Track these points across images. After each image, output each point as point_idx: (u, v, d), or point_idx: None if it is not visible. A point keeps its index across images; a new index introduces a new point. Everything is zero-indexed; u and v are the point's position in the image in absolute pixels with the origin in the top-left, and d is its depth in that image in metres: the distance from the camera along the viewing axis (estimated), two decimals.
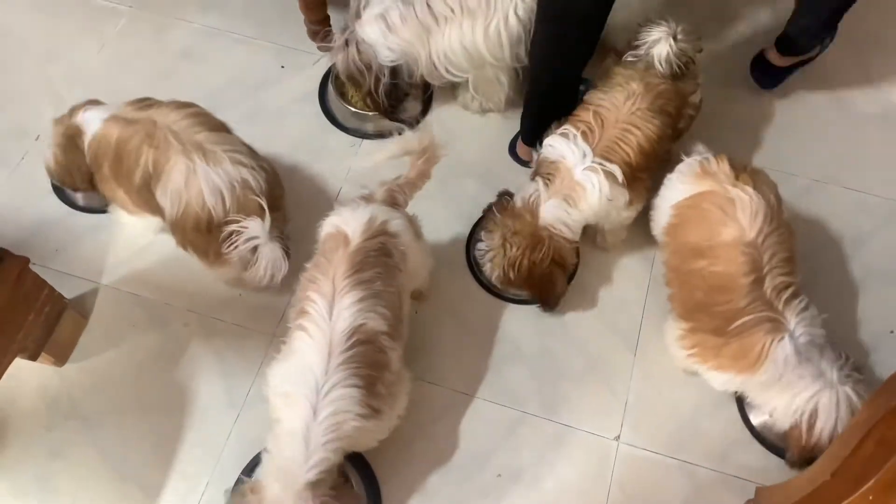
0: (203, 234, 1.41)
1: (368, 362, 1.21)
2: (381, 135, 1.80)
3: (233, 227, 1.39)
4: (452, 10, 1.56)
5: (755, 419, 1.47)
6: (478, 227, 1.67)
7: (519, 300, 1.61)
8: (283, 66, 1.91)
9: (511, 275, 1.47)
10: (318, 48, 1.92)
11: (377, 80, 1.61)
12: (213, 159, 1.38)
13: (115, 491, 1.42)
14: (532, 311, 1.60)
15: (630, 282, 1.63)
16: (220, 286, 1.60)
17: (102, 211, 1.68)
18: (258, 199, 1.40)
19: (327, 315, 1.21)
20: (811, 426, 1.29)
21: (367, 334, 1.22)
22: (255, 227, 1.40)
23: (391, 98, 1.67)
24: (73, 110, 1.51)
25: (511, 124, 1.81)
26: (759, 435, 1.46)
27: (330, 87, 1.84)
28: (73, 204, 1.72)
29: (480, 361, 1.54)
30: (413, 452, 1.44)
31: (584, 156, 1.42)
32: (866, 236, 1.67)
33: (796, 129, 1.82)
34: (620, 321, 1.59)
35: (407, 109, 1.78)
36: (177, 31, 1.96)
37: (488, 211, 1.54)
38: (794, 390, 1.30)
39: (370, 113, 1.79)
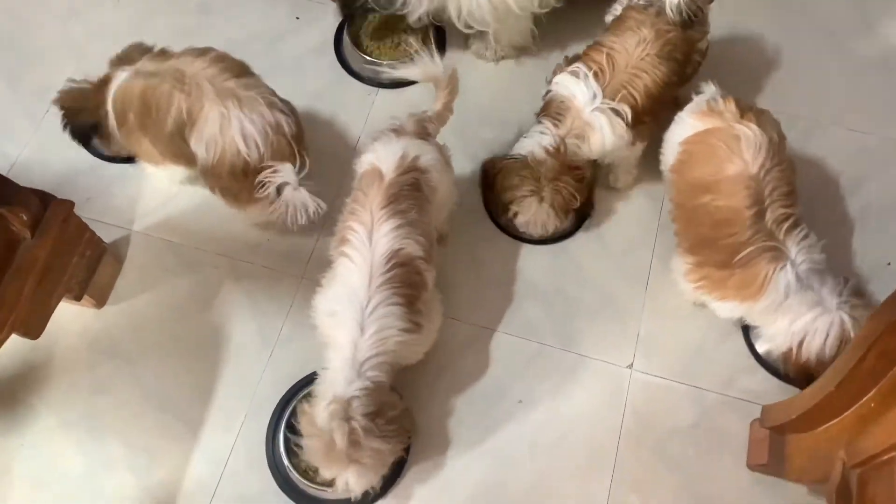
0: (238, 180, 1.47)
1: (407, 282, 1.30)
2: (397, 84, 1.84)
3: (266, 172, 1.44)
4: None
5: (760, 347, 1.56)
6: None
7: (535, 241, 1.67)
8: (297, 18, 1.95)
9: (563, 214, 1.57)
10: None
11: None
12: (247, 105, 1.42)
13: (158, 424, 1.50)
14: (546, 251, 1.67)
15: (640, 222, 1.70)
16: (248, 231, 1.67)
17: (129, 160, 1.73)
18: (290, 143, 1.45)
19: (367, 241, 1.29)
20: (800, 347, 1.38)
21: (405, 258, 1.30)
22: (288, 172, 1.45)
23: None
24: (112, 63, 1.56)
25: (525, 70, 1.86)
26: (763, 361, 1.56)
27: (345, 37, 1.88)
28: (99, 154, 1.76)
29: (499, 299, 1.62)
30: (440, 383, 1.53)
31: (595, 96, 1.48)
32: (865, 175, 1.74)
33: (798, 74, 1.89)
34: (631, 260, 1.67)
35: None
36: None
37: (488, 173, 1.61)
38: (792, 315, 1.38)
39: (385, 61, 1.83)
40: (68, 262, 1.40)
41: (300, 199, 1.49)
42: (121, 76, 1.52)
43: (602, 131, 1.50)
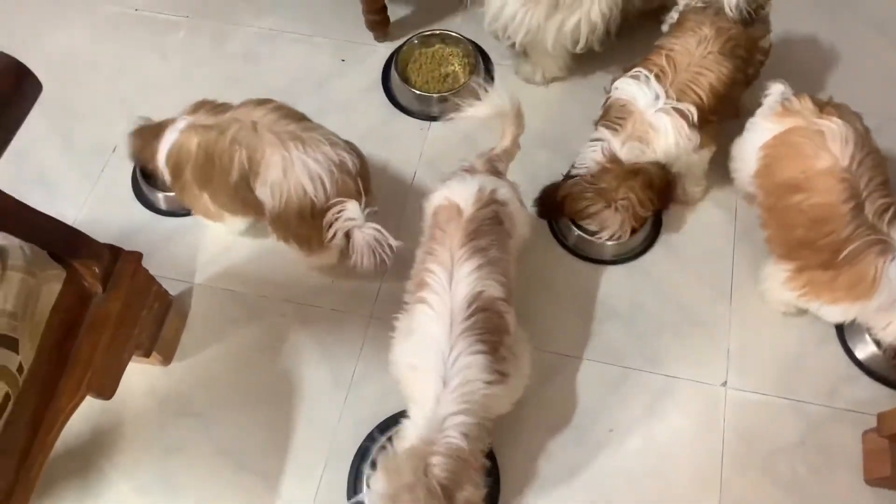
0: (307, 223, 1.43)
1: (490, 328, 1.22)
2: (447, 115, 1.82)
3: (333, 211, 1.40)
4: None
5: (860, 353, 1.48)
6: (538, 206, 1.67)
7: (608, 260, 1.62)
8: (343, 60, 1.95)
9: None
10: (375, 38, 1.95)
11: None
12: (309, 145, 1.40)
13: (234, 482, 1.44)
14: (621, 270, 1.62)
15: (715, 234, 1.64)
16: (310, 276, 1.63)
17: (186, 214, 1.71)
18: (356, 181, 1.42)
19: (447, 284, 1.23)
20: None
21: (486, 301, 1.23)
22: (353, 209, 1.41)
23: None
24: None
25: (575, 90, 1.83)
26: (866, 367, 1.47)
27: (393, 74, 1.87)
28: (156, 209, 1.75)
29: (577, 324, 1.56)
30: (524, 418, 1.46)
31: (657, 97, 1.44)
32: None
33: (857, 71, 1.85)
34: (710, 273, 1.60)
35: None
36: (235, 37, 2.00)
37: (553, 196, 1.57)
38: None
39: (435, 95, 1.82)
40: (138, 315, 1.36)
41: (368, 238, 1.41)
42: (177, 127, 1.51)
43: (666, 132, 1.45)
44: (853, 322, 1.43)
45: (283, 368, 1.54)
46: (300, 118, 1.47)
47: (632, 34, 1.78)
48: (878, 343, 1.44)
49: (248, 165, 1.41)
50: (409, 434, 1.19)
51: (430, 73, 1.87)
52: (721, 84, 1.46)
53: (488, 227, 1.28)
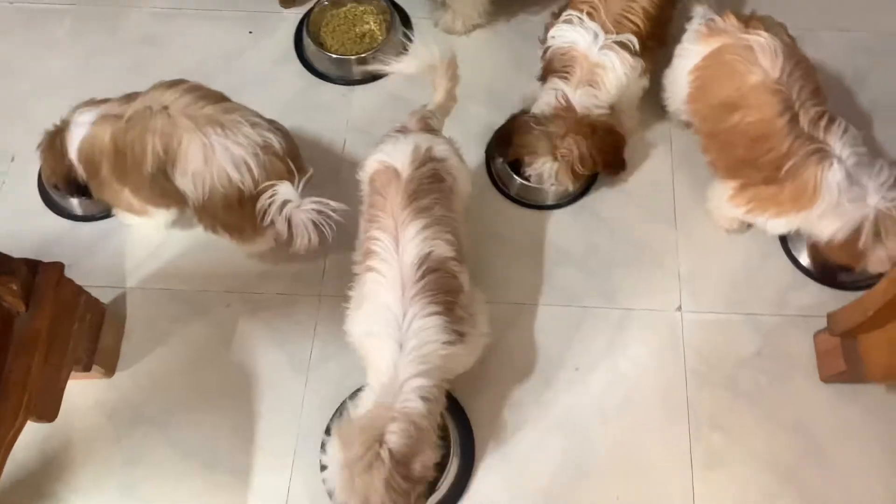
0: (236, 211, 1.36)
1: (443, 288, 1.20)
2: (368, 78, 1.76)
3: (264, 196, 1.32)
4: None
5: (804, 259, 1.52)
6: (493, 145, 1.65)
7: (550, 205, 1.61)
8: (251, 32, 1.85)
9: (582, 169, 1.49)
10: (281, 4, 1.86)
11: None
12: (230, 129, 1.31)
13: (205, 482, 1.39)
14: (565, 213, 1.61)
15: (654, 165, 1.66)
16: (251, 262, 1.57)
17: (104, 216, 1.61)
18: (284, 160, 1.35)
19: (394, 249, 1.20)
20: (858, 240, 1.32)
21: (436, 261, 1.21)
22: (287, 191, 1.33)
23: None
24: (69, 114, 1.43)
25: (499, 36, 1.79)
26: (811, 273, 1.51)
27: (306, 40, 1.80)
28: (71, 215, 1.64)
29: (530, 271, 1.55)
30: (490, 371, 1.45)
31: (597, 36, 1.42)
32: (866, 72, 1.72)
33: None
34: (653, 203, 1.62)
35: None
36: (129, 20, 1.88)
37: (507, 131, 1.54)
38: (849, 212, 1.32)
39: (353, 57, 1.75)
40: (70, 329, 1.28)
41: (309, 215, 1.34)
42: (81, 121, 1.40)
43: (614, 68, 1.44)
44: (796, 231, 1.46)
45: (236, 361, 1.49)
46: (218, 98, 1.38)
47: None
48: (812, 249, 1.48)
49: (164, 154, 1.33)
50: (366, 401, 1.17)
51: (345, 35, 1.80)
52: (653, 6, 1.46)
53: (429, 185, 1.25)
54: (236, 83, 1.75)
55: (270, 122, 1.41)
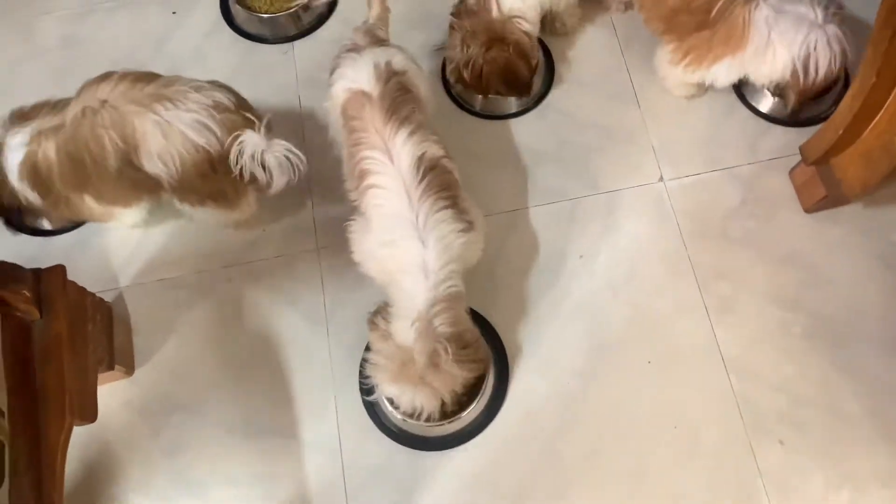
0: (213, 177, 1.36)
1: (444, 184, 1.26)
2: (305, 32, 1.77)
3: (234, 150, 1.33)
4: None
5: (764, 107, 1.62)
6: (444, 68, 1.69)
7: (515, 113, 1.66)
8: (174, 13, 1.82)
9: (465, 74, 1.53)
10: None
11: None
12: (177, 99, 1.31)
13: (255, 450, 1.42)
14: (533, 116, 1.67)
15: (603, 52, 1.72)
16: (240, 234, 1.58)
17: (76, 226, 1.60)
18: (239, 112, 1.35)
19: (388, 160, 1.24)
20: (807, 66, 1.42)
21: (431, 160, 1.26)
22: (252, 138, 1.33)
23: None
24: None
25: None
26: (773, 118, 1.62)
27: (234, 7, 1.79)
28: (41, 231, 1.61)
29: (512, 178, 1.61)
30: (500, 278, 1.51)
31: None
32: None
33: None
34: (612, 88, 1.69)
35: None
36: (42, 27, 1.83)
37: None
38: (786, 44, 1.42)
39: (284, 14, 1.75)
40: (86, 330, 1.28)
41: (277, 155, 1.35)
42: (14, 144, 1.37)
43: None
44: (748, 83, 1.56)
45: (253, 330, 1.51)
46: (151, 77, 1.36)
47: None
48: (775, 92, 1.57)
49: (123, 144, 1.31)
50: (404, 301, 1.22)
51: None
52: None
53: (401, 97, 1.29)
54: (172, 66, 1.75)
55: (212, 82, 1.40)
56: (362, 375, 1.40)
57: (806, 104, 1.51)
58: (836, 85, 1.53)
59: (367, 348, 1.38)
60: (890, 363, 1.39)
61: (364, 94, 1.28)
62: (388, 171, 1.24)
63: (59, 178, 1.37)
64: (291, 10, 1.75)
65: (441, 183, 1.25)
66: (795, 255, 1.50)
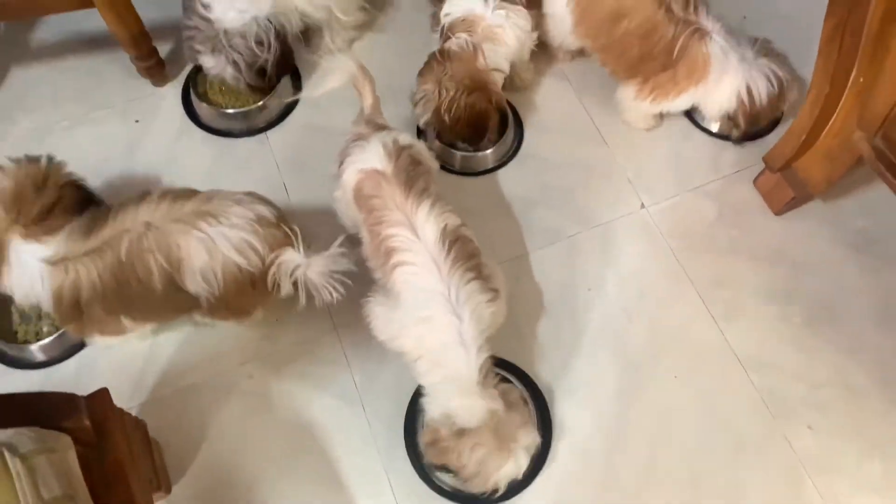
0: (248, 294, 1.36)
1: (467, 254, 1.31)
2: (277, 120, 1.82)
3: (273, 270, 1.33)
4: None
5: (715, 127, 1.79)
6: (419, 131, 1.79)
7: (494, 168, 1.77)
8: (137, 121, 1.83)
9: (446, 117, 1.62)
10: (155, 84, 1.86)
11: (272, 49, 1.64)
12: (220, 215, 1.30)
13: None
14: (511, 167, 1.78)
15: (561, 99, 1.87)
16: (251, 330, 1.58)
17: (71, 354, 1.57)
18: (280, 226, 1.35)
19: (414, 237, 1.29)
20: (750, 97, 1.63)
21: (453, 232, 1.32)
22: (292, 257, 1.34)
23: (284, 62, 1.70)
24: None
25: (379, 42, 1.92)
26: (721, 136, 1.80)
27: (200, 107, 1.82)
28: (33, 364, 1.56)
29: (508, 227, 1.70)
30: (522, 325, 1.59)
31: (487, 1, 1.59)
32: None
33: None
34: (578, 130, 1.83)
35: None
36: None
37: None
38: (732, 75, 1.62)
39: (253, 106, 1.80)
40: (136, 451, 1.24)
41: (322, 271, 1.34)
42: (26, 261, 1.33)
43: (513, 25, 1.63)
44: (696, 110, 1.74)
45: (286, 421, 1.50)
46: (191, 194, 1.35)
47: None
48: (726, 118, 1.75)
49: (167, 265, 1.30)
50: (444, 394, 1.28)
51: (234, 89, 1.82)
52: None
53: (414, 171, 1.35)
54: (148, 172, 1.76)
55: (249, 194, 1.40)
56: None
57: (753, 127, 1.71)
58: (782, 109, 1.72)
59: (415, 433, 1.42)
60: (885, 333, 1.56)
61: (378, 173, 1.34)
62: (415, 247, 1.28)
63: (102, 302, 1.33)
64: (260, 102, 1.80)
65: (466, 253, 1.30)
66: (777, 254, 1.66)
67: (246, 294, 1.36)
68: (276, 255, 1.33)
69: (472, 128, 1.65)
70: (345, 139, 1.47)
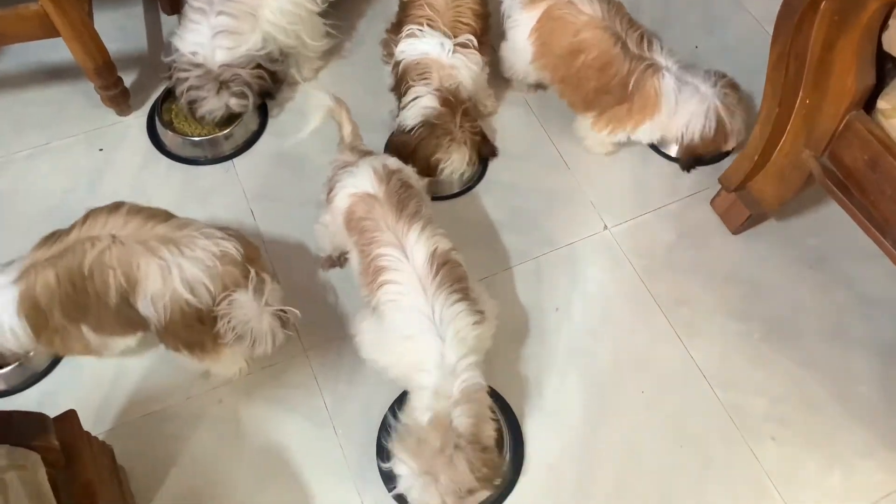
0: (196, 329, 1.37)
1: (455, 277, 1.37)
2: (243, 147, 1.87)
3: (223, 313, 1.34)
4: None
5: (672, 152, 1.90)
6: None
7: (460, 192, 1.84)
8: (101, 150, 1.86)
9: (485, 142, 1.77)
10: (119, 113, 1.89)
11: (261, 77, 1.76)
12: (185, 245, 1.33)
13: None
14: (478, 192, 1.86)
15: (523, 128, 1.96)
16: None
17: (36, 381, 1.56)
18: (244, 266, 1.37)
19: (404, 258, 1.34)
20: (687, 132, 1.75)
21: (442, 255, 1.37)
22: (242, 303, 1.34)
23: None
24: None
25: (345, 71, 1.99)
26: (670, 159, 1.90)
27: (166, 135, 1.86)
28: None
29: (477, 250, 1.74)
30: (493, 345, 1.62)
31: (443, 43, 1.69)
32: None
33: None
34: (542, 156, 1.92)
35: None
36: None
37: (403, 153, 1.74)
38: (683, 110, 1.72)
39: (220, 133, 1.84)
40: (103, 475, 1.25)
41: (268, 326, 1.37)
42: (7, 282, 1.35)
43: (467, 66, 1.71)
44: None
45: (257, 446, 1.52)
46: (166, 216, 1.38)
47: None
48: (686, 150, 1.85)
49: (125, 283, 1.32)
50: (421, 401, 1.31)
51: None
52: (478, 4, 1.75)
53: (405, 193, 1.41)
54: (113, 201, 1.77)
55: (224, 229, 1.42)
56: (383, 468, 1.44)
57: (693, 159, 1.83)
58: (721, 148, 1.82)
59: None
60: (837, 348, 1.65)
61: (370, 196, 1.39)
62: (403, 267, 1.33)
63: (60, 306, 1.35)
64: (226, 130, 1.85)
65: (453, 276, 1.35)
66: (735, 273, 1.75)
67: (193, 328, 1.36)
68: (227, 296, 1.34)
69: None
70: (332, 167, 1.53)
